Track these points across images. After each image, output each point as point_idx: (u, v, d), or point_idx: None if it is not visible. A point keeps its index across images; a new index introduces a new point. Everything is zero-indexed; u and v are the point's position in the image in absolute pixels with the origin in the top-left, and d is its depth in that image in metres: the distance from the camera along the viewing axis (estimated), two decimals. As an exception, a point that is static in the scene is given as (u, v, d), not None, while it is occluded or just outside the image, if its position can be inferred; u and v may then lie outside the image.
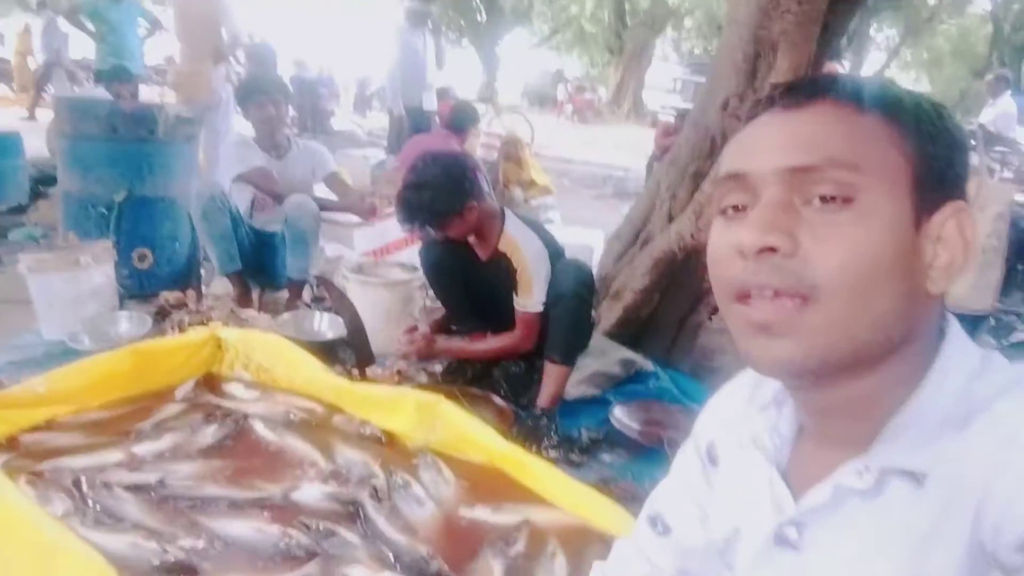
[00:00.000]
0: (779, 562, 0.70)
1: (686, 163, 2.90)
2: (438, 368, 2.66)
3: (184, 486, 1.65)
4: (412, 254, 3.14)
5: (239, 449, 1.86)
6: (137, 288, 3.38)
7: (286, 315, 3.02)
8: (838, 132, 0.61)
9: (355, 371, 2.51)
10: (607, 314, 3.01)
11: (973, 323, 2.56)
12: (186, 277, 3.53)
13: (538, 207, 5.71)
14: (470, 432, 1.92)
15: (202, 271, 3.60)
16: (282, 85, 3.65)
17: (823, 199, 0.60)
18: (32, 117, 9.92)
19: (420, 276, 2.90)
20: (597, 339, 2.75)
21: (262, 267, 3.35)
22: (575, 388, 2.57)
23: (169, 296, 3.13)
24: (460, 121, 5.09)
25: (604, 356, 2.76)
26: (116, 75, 5.39)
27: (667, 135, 3.92)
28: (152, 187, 3.45)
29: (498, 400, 2.41)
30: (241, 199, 3.35)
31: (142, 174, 3.42)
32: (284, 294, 3.36)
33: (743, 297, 0.63)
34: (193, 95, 5.29)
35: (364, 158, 6.69)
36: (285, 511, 1.59)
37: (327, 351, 2.62)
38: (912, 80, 20.51)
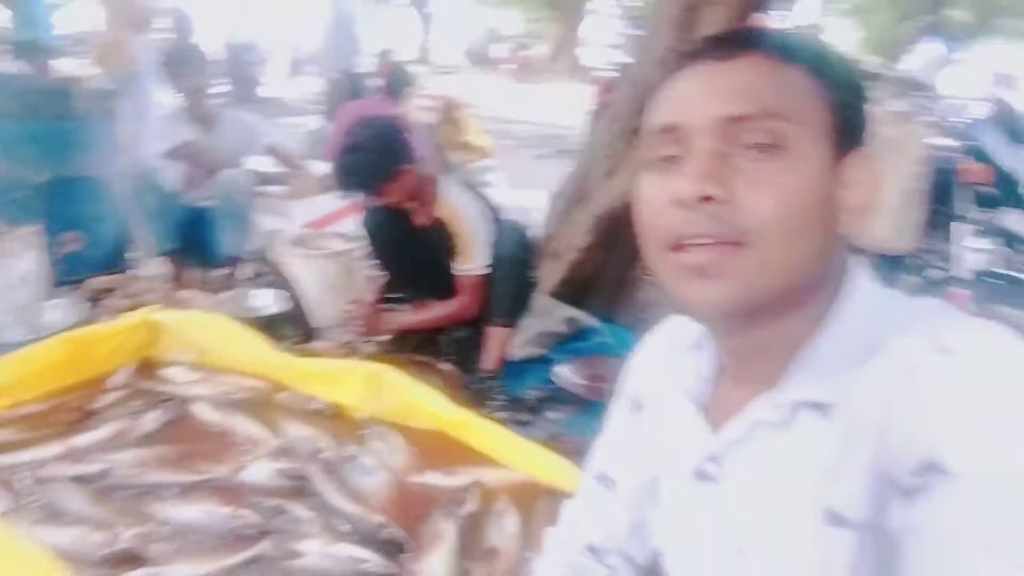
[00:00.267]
0: (701, 495, 0.73)
1: (625, 119, 2.90)
2: (383, 338, 2.66)
3: (128, 474, 1.63)
4: (351, 225, 3.10)
5: (183, 433, 1.84)
6: (67, 274, 3.26)
7: (224, 293, 2.96)
8: (768, 83, 0.63)
9: (298, 346, 2.49)
10: (550, 273, 3.03)
11: (896, 263, 2.67)
12: (116, 260, 3.41)
13: (478, 170, 5.67)
14: (417, 399, 1.93)
15: (133, 252, 3.50)
16: (202, 54, 3.53)
17: (755, 148, 0.62)
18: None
19: (361, 245, 2.88)
20: (540, 299, 2.78)
21: (197, 245, 3.27)
22: (520, 349, 2.59)
23: (100, 281, 3.04)
24: (396, 84, 5.00)
25: (547, 315, 2.79)
26: (32, 47, 5.10)
27: (607, 91, 3.91)
28: (76, 166, 3.30)
29: (444, 366, 2.43)
30: (170, 174, 3.24)
31: (64, 153, 3.27)
32: (221, 272, 3.29)
33: (678, 246, 0.65)
34: (115, 66, 5.05)
35: (298, 126, 6.52)
36: (234, 492, 1.58)
37: (269, 327, 2.58)
38: (844, 27, 20.81)
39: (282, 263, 2.82)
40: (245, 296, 2.99)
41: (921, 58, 7.05)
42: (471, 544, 1.50)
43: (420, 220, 2.48)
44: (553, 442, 2.01)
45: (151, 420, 1.84)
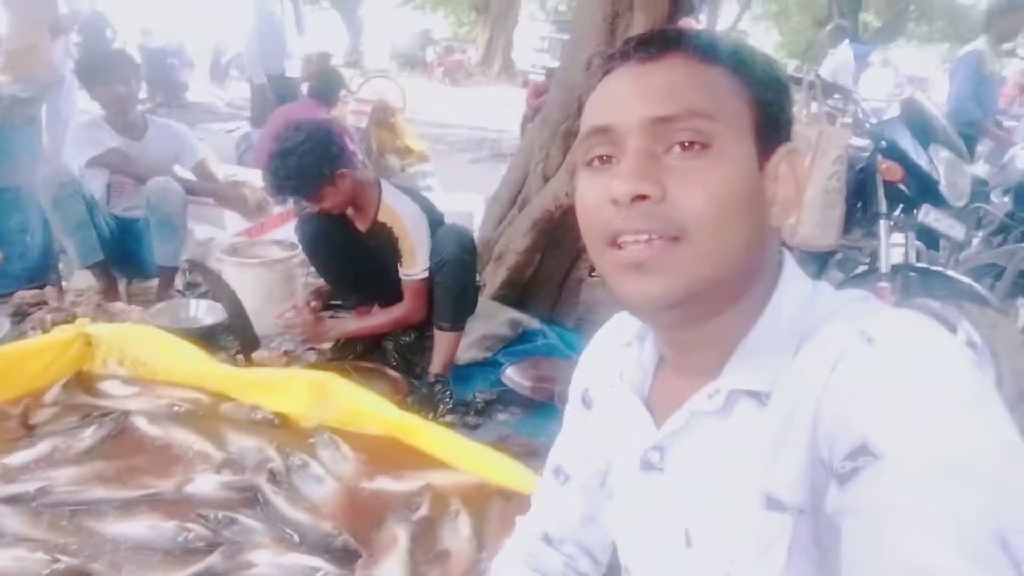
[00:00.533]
0: (647, 484, 0.77)
1: (557, 122, 2.96)
2: (326, 345, 2.63)
3: (67, 492, 1.58)
4: (289, 231, 3.05)
5: (122, 448, 1.79)
6: (-10, 288, 3.12)
7: (159, 305, 2.88)
8: (692, 83, 0.66)
9: (240, 357, 2.44)
10: (492, 277, 3.06)
11: (822, 259, 2.79)
12: (43, 272, 3.27)
13: (415, 174, 5.65)
14: (364, 406, 1.93)
15: (60, 265, 3.36)
16: (128, 58, 3.40)
17: (683, 146, 0.65)
18: None
19: (299, 253, 2.84)
20: (484, 302, 2.80)
21: (127, 256, 3.16)
22: (466, 352, 2.62)
23: (26, 294, 2.91)
24: (325, 88, 4.94)
25: (492, 319, 2.82)
26: None
27: (538, 95, 3.95)
28: (-4, 177, 3.16)
29: (390, 371, 2.43)
30: (96, 184, 3.11)
31: (-19, 163, 3.12)
32: (154, 283, 3.19)
33: (617, 243, 0.67)
34: (29, 73, 4.83)
35: (226, 132, 6.35)
36: (180, 505, 1.56)
37: (207, 338, 2.53)
38: (763, 31, 21.52)
39: (217, 272, 2.76)
40: (180, 307, 2.92)
41: (835, 61, 7.37)
42: (424, 548, 1.51)
43: (360, 225, 2.46)
44: (503, 443, 2.04)
45: (89, 435, 1.79)
